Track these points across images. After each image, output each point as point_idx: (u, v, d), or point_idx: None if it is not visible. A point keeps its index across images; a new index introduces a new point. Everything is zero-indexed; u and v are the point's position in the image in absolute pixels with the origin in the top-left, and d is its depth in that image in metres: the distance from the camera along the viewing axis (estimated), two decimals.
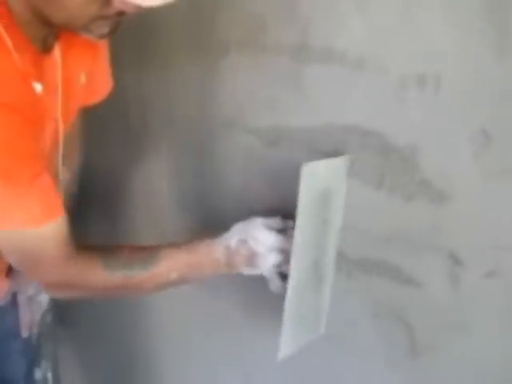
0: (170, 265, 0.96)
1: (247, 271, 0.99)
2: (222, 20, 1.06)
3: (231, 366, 1.27)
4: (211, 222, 1.19)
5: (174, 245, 0.99)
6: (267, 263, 0.96)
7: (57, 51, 0.94)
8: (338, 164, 0.93)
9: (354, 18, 0.87)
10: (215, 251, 0.98)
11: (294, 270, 0.90)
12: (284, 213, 0.97)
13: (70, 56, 0.97)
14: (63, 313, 1.40)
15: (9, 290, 1.17)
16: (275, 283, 0.98)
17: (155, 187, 1.32)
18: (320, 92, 0.94)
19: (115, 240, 1.40)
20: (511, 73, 0.75)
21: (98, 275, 0.92)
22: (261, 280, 0.98)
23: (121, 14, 0.80)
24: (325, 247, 0.97)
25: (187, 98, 1.16)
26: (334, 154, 0.93)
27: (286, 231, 0.96)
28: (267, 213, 1.01)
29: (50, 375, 1.31)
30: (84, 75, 1.03)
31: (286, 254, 0.94)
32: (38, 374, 1.31)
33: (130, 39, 1.26)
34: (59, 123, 0.98)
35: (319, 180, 0.90)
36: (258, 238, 0.96)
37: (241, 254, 0.97)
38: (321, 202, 0.92)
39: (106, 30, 0.84)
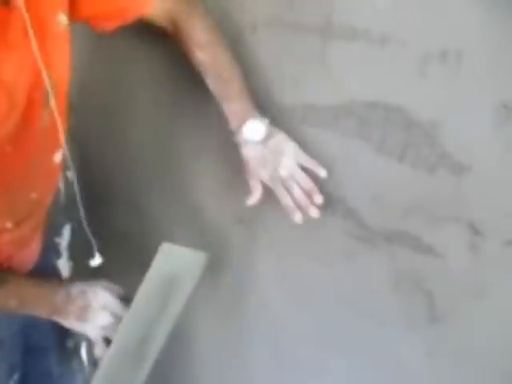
0: (12, 292, 0.99)
1: (76, 326, 1.01)
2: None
3: None
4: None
5: (24, 275, 1.05)
6: (96, 320, 0.99)
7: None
8: (196, 257, 0.98)
9: None
10: (57, 293, 1.00)
11: (118, 340, 0.94)
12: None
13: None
14: None
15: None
16: (99, 347, 1.00)
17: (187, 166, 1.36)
18: (344, 69, 0.97)
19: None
20: None
21: None
22: None
23: None
24: (156, 329, 1.01)
25: None
26: (356, 133, 0.96)
27: (129, 301, 0.98)
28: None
29: (84, 344, 1.37)
30: (64, 15, 0.96)
31: (117, 320, 0.97)
32: (70, 343, 1.36)
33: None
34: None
35: (173, 263, 0.94)
36: (97, 293, 1.00)
37: (76, 304, 1.00)
38: (166, 286, 0.97)
39: None
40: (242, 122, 1.03)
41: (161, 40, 1.30)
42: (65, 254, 1.81)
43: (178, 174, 1.36)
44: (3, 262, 1.07)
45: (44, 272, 1.24)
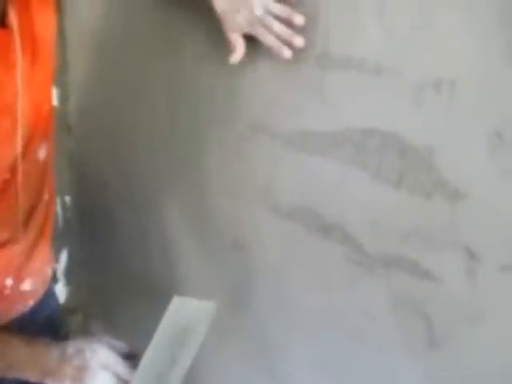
0: None
1: None
2: None
3: None
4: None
5: (12, 334, 0.93)
6: (95, 382, 0.88)
7: (12, 17, 0.87)
8: (206, 308, 0.95)
9: (372, 26, 0.92)
10: (50, 352, 0.91)
11: None
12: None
13: (30, 17, 0.90)
14: None
15: None
16: None
17: (180, 194, 1.38)
18: (341, 97, 0.99)
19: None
20: None
21: None
22: None
23: None
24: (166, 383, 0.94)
25: (213, 104, 1.22)
26: (353, 159, 0.98)
27: (134, 359, 0.91)
28: (290, 212, 1.06)
29: None
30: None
31: (120, 382, 0.89)
32: None
33: (158, 49, 1.31)
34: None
35: (183, 316, 0.90)
36: (96, 351, 0.90)
37: (72, 365, 0.89)
38: (177, 339, 0.91)
39: None
40: None
41: (158, 65, 1.32)
42: (62, 279, 1.81)
43: (177, 199, 1.37)
44: (13, 275, 1.07)
45: (41, 298, 1.23)
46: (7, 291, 1.07)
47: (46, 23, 0.94)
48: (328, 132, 1.02)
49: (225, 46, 1.06)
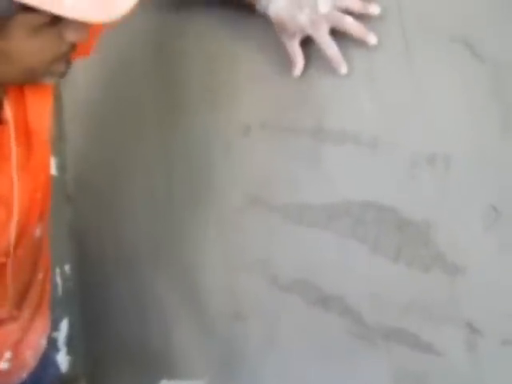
0: None
1: None
2: (243, 102, 1.14)
3: None
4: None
5: None
6: None
7: (7, 111, 0.88)
8: None
9: (366, 102, 0.94)
10: None
11: None
12: None
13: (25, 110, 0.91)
14: None
15: None
16: None
17: (178, 265, 1.37)
18: (337, 170, 1.00)
19: None
20: None
21: None
22: None
23: (74, 45, 0.77)
24: None
25: (210, 176, 1.22)
26: (352, 232, 0.98)
27: None
28: (289, 284, 1.05)
29: None
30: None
31: None
32: None
33: (153, 119, 1.33)
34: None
35: None
36: None
37: None
38: None
39: (63, 67, 0.80)
40: None
41: (155, 135, 1.34)
42: (63, 348, 1.80)
43: (175, 270, 1.37)
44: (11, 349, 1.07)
45: (43, 367, 1.23)
46: (6, 364, 1.08)
47: (40, 114, 0.93)
48: (326, 204, 1.02)
49: (222, 115, 1.07)
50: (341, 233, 1.00)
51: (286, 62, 1.00)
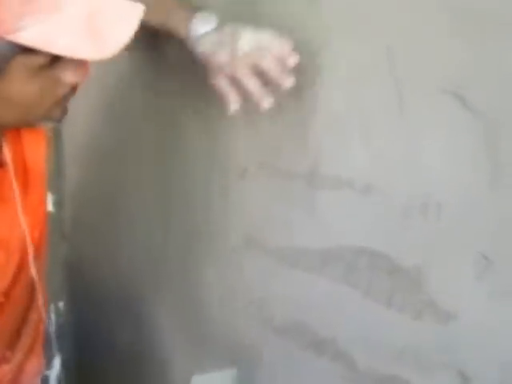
0: None
1: None
2: (238, 146, 1.15)
3: None
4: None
5: None
6: None
7: (6, 153, 0.89)
8: (227, 376, 0.98)
9: (359, 150, 0.96)
10: None
11: None
12: None
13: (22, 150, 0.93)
14: None
15: None
16: None
17: (175, 304, 1.38)
18: (331, 216, 1.02)
19: None
20: (505, 201, 0.82)
21: None
22: None
23: (74, 88, 0.79)
24: None
25: (208, 217, 1.24)
26: (345, 277, 0.99)
27: None
28: (284, 327, 1.06)
29: None
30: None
31: None
32: None
33: (151, 159, 1.35)
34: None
35: None
36: None
37: None
38: None
39: (59, 111, 0.83)
40: (189, 19, 0.94)
41: (152, 174, 1.35)
42: None
43: (172, 309, 1.37)
44: None
45: None
46: None
47: (36, 153, 0.95)
48: (320, 249, 1.03)
49: (218, 164, 1.08)
50: (334, 277, 1.01)
51: (280, 105, 1.02)
